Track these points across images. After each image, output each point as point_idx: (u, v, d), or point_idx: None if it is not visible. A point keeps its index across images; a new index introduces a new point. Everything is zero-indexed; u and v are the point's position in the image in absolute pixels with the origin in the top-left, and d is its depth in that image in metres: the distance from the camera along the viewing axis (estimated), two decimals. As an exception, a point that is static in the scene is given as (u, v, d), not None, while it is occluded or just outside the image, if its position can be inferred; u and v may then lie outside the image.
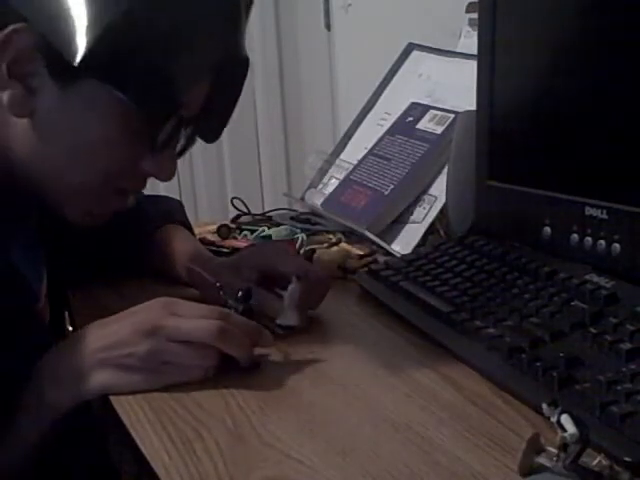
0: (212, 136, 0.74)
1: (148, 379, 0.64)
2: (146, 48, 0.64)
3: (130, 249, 0.92)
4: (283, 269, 0.78)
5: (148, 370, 0.64)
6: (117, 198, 0.73)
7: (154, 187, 0.86)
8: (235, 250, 1.01)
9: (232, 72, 0.70)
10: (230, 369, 0.66)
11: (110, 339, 0.64)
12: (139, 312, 0.66)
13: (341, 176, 1.19)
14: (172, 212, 0.98)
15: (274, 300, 0.77)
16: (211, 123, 0.73)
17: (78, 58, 0.62)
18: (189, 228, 0.98)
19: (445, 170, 1.01)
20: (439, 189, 1.02)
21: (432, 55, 1.22)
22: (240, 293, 0.72)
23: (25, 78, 0.64)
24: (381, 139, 1.16)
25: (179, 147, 0.72)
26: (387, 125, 1.18)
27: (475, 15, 0.93)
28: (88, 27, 0.62)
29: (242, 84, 0.72)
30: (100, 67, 0.63)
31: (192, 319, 0.65)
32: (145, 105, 0.65)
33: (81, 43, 0.62)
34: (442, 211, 1.00)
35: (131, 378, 0.64)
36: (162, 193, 1.09)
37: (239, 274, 0.81)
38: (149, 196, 1.02)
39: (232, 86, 0.71)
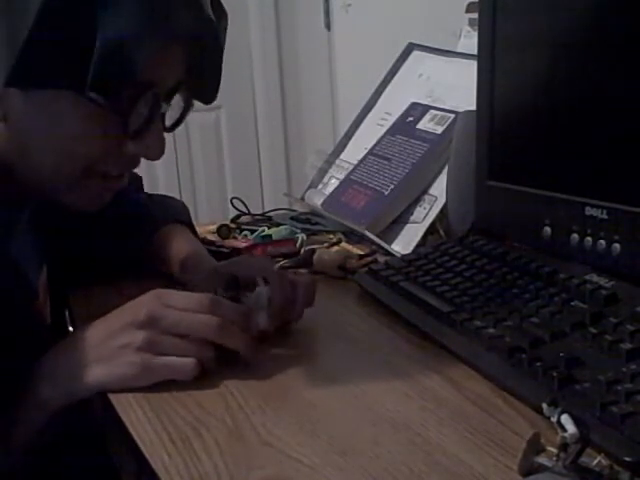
0: (207, 98, 0.72)
1: (143, 373, 0.64)
2: (78, 42, 0.60)
3: (130, 249, 0.92)
4: (247, 273, 0.77)
5: (143, 362, 0.63)
6: (110, 181, 0.71)
7: (154, 187, 0.85)
8: (235, 250, 1.01)
9: (199, 34, 0.67)
10: (229, 363, 0.66)
11: (104, 333, 0.65)
12: (132, 306, 0.66)
13: (341, 176, 1.19)
14: (175, 213, 0.98)
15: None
16: (203, 85, 0.71)
17: (2, 80, 0.60)
18: (192, 229, 0.98)
19: (445, 170, 1.01)
20: (439, 189, 1.02)
21: (432, 55, 1.23)
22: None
23: None
24: (381, 139, 1.16)
25: (175, 117, 0.71)
26: (387, 125, 1.18)
27: (475, 15, 0.93)
28: (7, 44, 0.60)
29: (217, 42, 0.69)
30: (39, 75, 0.61)
31: (190, 314, 0.65)
32: (105, 96, 0.63)
33: (3, 64, 0.60)
34: (442, 211, 1.00)
35: (125, 372, 0.63)
36: (162, 193, 1.08)
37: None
38: (153, 195, 1.02)
39: (208, 47, 0.69)
